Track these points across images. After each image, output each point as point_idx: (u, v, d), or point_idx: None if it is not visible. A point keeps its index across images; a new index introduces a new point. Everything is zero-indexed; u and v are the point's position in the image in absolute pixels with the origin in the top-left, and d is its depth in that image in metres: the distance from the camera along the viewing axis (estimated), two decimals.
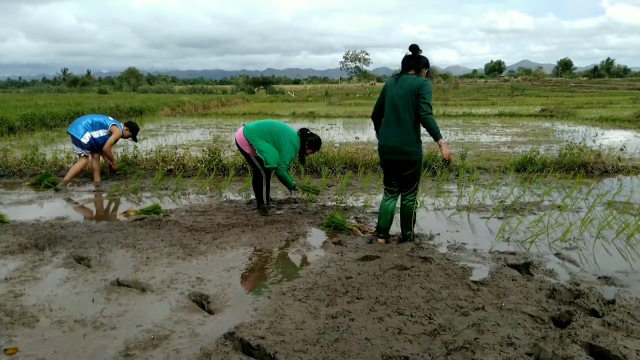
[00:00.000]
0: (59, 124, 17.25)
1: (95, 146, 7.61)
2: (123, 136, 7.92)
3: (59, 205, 6.46)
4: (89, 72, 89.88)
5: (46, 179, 7.51)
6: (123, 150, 9.63)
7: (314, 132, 6.12)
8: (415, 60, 4.49)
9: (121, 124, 7.95)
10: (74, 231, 5.14)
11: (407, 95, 4.36)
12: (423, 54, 4.52)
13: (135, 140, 8.22)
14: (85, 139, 7.43)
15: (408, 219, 4.77)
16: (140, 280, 3.88)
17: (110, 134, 7.68)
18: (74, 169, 7.50)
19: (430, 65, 4.57)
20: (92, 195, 6.93)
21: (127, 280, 3.88)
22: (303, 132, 5.92)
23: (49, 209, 6.27)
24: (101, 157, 7.99)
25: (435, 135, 4.35)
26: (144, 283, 3.82)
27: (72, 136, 7.51)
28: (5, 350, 2.88)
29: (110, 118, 7.96)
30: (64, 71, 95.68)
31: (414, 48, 4.49)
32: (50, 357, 2.82)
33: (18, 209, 6.27)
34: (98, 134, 7.57)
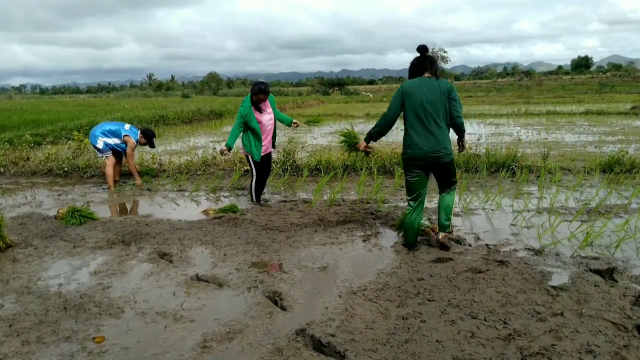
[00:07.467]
0: (146, 127, 18.24)
1: (115, 149, 7.73)
2: (139, 143, 7.90)
3: (144, 203, 6.85)
4: (173, 77, 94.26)
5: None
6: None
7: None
8: (431, 62, 4.44)
9: (137, 131, 7.88)
10: (157, 228, 5.44)
11: (441, 99, 4.32)
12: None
13: (152, 146, 8.07)
14: (99, 144, 7.59)
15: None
16: (218, 275, 4.05)
17: (124, 143, 7.70)
18: (107, 174, 7.74)
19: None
20: (174, 195, 7.28)
21: (205, 276, 4.07)
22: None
23: (135, 207, 6.68)
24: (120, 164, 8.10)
25: (463, 133, 4.63)
26: (222, 279, 3.99)
27: (92, 144, 7.77)
28: (94, 338, 3.11)
29: (127, 126, 7.84)
30: (150, 76, 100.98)
31: (423, 49, 4.43)
32: (134, 346, 3.01)
33: (107, 207, 6.76)
34: (113, 141, 7.67)
